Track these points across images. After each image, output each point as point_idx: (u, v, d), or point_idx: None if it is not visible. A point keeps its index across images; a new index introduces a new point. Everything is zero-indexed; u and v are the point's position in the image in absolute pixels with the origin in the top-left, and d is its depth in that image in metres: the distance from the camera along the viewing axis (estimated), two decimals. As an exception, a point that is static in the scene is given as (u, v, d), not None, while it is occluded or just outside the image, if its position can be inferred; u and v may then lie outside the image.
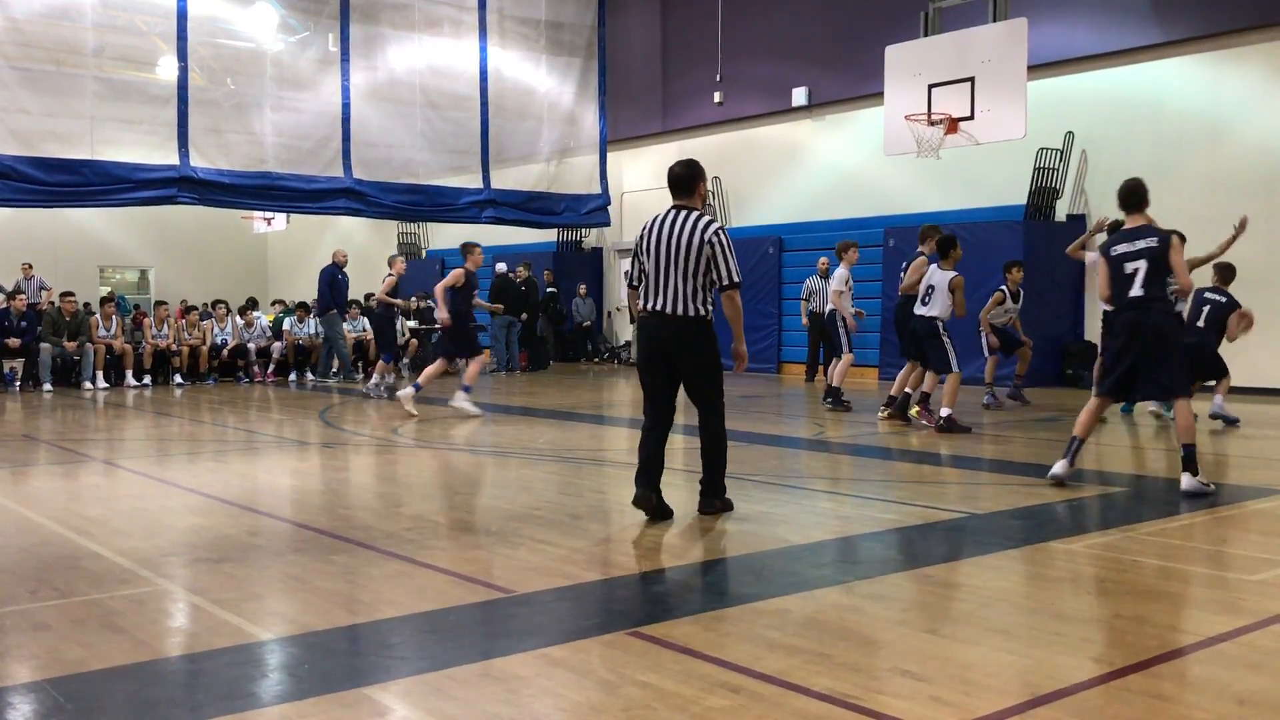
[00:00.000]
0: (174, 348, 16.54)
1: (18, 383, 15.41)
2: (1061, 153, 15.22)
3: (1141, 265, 6.61)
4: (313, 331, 17.60)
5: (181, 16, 13.85)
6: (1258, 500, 6.55)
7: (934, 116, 12.68)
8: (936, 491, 7.06)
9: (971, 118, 12.43)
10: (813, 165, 18.76)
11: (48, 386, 14.95)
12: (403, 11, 15.95)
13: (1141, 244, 6.67)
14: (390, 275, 14.56)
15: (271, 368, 17.35)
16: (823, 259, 15.03)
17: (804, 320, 16.63)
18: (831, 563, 5.10)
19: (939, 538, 5.59)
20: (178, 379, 16.41)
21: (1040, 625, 4.02)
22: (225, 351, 17.08)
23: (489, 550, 5.27)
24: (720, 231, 5.82)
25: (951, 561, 5.01)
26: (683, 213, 5.86)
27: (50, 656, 3.65)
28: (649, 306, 5.86)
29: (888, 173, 16.85)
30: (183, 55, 13.92)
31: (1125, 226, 6.97)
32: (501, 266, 19.62)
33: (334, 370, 17.25)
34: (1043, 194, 15.29)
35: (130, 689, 3.39)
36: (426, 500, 6.78)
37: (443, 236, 25.56)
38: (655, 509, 5.88)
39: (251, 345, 17.34)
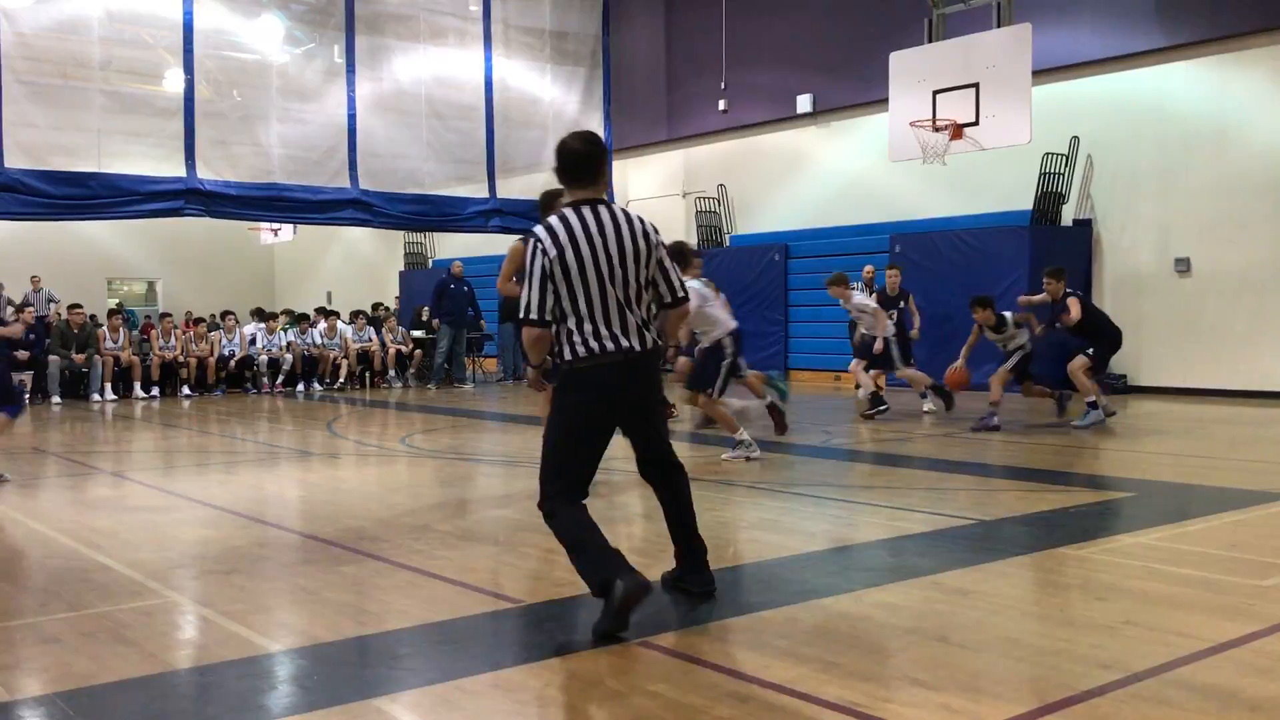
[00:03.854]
0: (181, 359, 16.58)
1: (26, 395, 15.44)
2: (1067, 158, 15.20)
3: None
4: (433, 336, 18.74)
5: (188, 29, 13.91)
6: (1268, 505, 6.53)
7: (939, 122, 12.67)
8: (945, 498, 7.04)
9: (976, 123, 12.42)
10: (818, 172, 18.75)
11: (56, 399, 14.99)
12: (408, 23, 16.00)
13: None
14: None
15: (281, 378, 17.39)
16: (868, 266, 14.64)
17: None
18: (840, 571, 5.09)
19: (948, 544, 5.57)
20: (185, 390, 16.45)
21: (1050, 632, 4.01)
22: (233, 362, 17.13)
23: (497, 560, 5.27)
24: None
25: (961, 568, 5.00)
26: (609, 209, 4.24)
27: (60, 670, 3.66)
28: (608, 347, 4.11)
29: (893, 179, 16.84)
30: (189, 68, 13.97)
31: None
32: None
33: (441, 374, 18.10)
34: (1049, 199, 15.26)
35: (140, 702, 3.39)
36: (434, 510, 6.78)
37: (449, 246, 25.61)
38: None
39: (264, 355, 17.41)
